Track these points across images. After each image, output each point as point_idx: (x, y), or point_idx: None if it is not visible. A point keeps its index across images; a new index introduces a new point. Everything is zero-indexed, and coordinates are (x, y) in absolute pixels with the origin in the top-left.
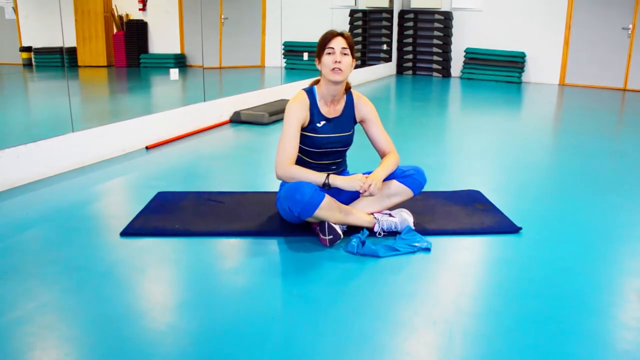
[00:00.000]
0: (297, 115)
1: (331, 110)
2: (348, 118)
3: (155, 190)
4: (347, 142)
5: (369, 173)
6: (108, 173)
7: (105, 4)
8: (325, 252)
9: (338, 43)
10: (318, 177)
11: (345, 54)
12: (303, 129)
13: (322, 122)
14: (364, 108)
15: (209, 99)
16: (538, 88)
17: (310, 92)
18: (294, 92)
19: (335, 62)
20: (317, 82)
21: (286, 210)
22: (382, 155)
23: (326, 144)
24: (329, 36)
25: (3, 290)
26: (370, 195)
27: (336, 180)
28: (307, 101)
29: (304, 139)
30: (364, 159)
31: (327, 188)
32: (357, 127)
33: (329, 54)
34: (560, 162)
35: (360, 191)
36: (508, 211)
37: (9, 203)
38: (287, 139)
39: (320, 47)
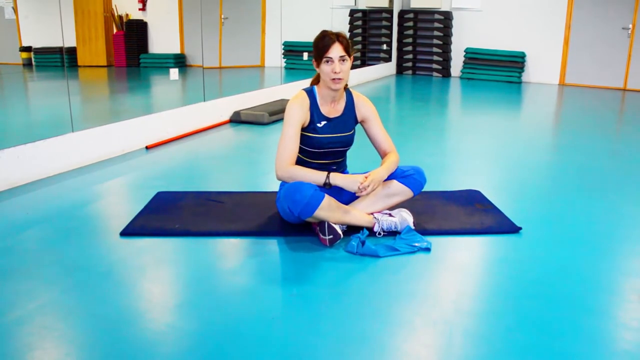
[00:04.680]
0: (297, 116)
1: (332, 110)
2: (349, 118)
3: (155, 190)
4: (348, 142)
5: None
6: (108, 173)
7: (105, 4)
8: (325, 252)
9: (336, 52)
10: (319, 177)
11: (343, 61)
12: (303, 129)
13: (323, 122)
14: (365, 108)
15: (209, 98)
16: (538, 88)
17: (310, 92)
18: (294, 92)
19: (335, 72)
20: (316, 80)
21: (286, 211)
22: (383, 154)
23: (327, 144)
24: (326, 44)
25: (3, 290)
26: (366, 193)
27: (337, 179)
28: (307, 101)
29: (304, 139)
30: (364, 158)
31: (328, 187)
32: (358, 126)
33: (327, 62)
34: (560, 161)
35: (359, 188)
36: (508, 211)
37: (9, 203)
38: (287, 139)
39: (317, 53)
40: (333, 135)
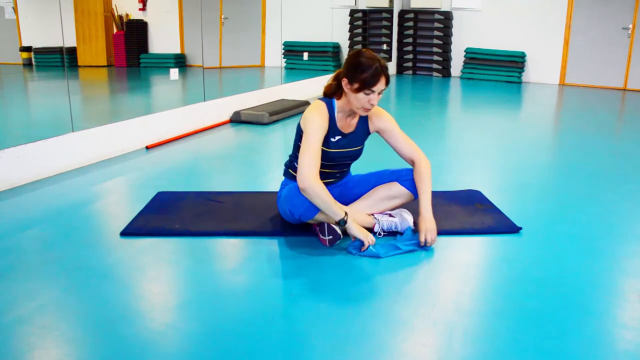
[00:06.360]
0: (321, 127)
1: (347, 124)
2: (361, 133)
3: (155, 190)
4: (357, 155)
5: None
6: (108, 173)
7: (105, 4)
8: (325, 252)
9: (380, 86)
10: (337, 213)
11: (380, 94)
12: None
13: (338, 137)
14: (378, 119)
15: (209, 98)
16: (538, 88)
17: (329, 104)
18: (294, 92)
19: (372, 104)
20: (334, 93)
21: (287, 213)
22: (410, 162)
23: (337, 158)
24: (373, 77)
25: (3, 290)
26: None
27: (352, 229)
28: (327, 114)
29: None
30: (364, 159)
31: (341, 226)
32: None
33: (367, 94)
34: (560, 161)
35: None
36: (508, 211)
37: (9, 203)
38: (312, 150)
39: (359, 80)
40: (344, 150)
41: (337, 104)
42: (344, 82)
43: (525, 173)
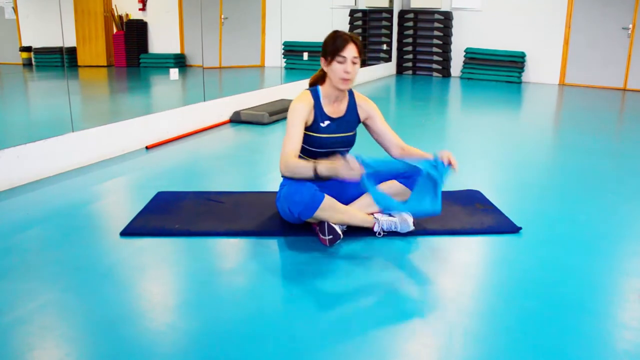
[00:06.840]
0: (301, 113)
1: (335, 110)
2: (351, 118)
3: (155, 190)
4: (350, 142)
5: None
6: (108, 173)
7: (105, 4)
8: (325, 252)
9: (350, 52)
10: (308, 169)
11: (355, 63)
12: (307, 128)
13: (327, 122)
14: (367, 106)
15: (209, 98)
16: (538, 88)
17: (314, 91)
18: (294, 92)
19: (346, 72)
20: (318, 80)
21: (286, 212)
22: (396, 148)
23: (330, 144)
24: (341, 43)
25: (3, 290)
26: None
27: (323, 170)
28: (311, 101)
29: (308, 139)
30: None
31: (319, 180)
32: (360, 127)
33: (340, 62)
34: (560, 161)
35: (450, 164)
36: (508, 211)
37: (9, 203)
38: (291, 134)
39: (330, 51)
40: (336, 135)
41: (322, 89)
42: (322, 61)
43: (525, 173)
